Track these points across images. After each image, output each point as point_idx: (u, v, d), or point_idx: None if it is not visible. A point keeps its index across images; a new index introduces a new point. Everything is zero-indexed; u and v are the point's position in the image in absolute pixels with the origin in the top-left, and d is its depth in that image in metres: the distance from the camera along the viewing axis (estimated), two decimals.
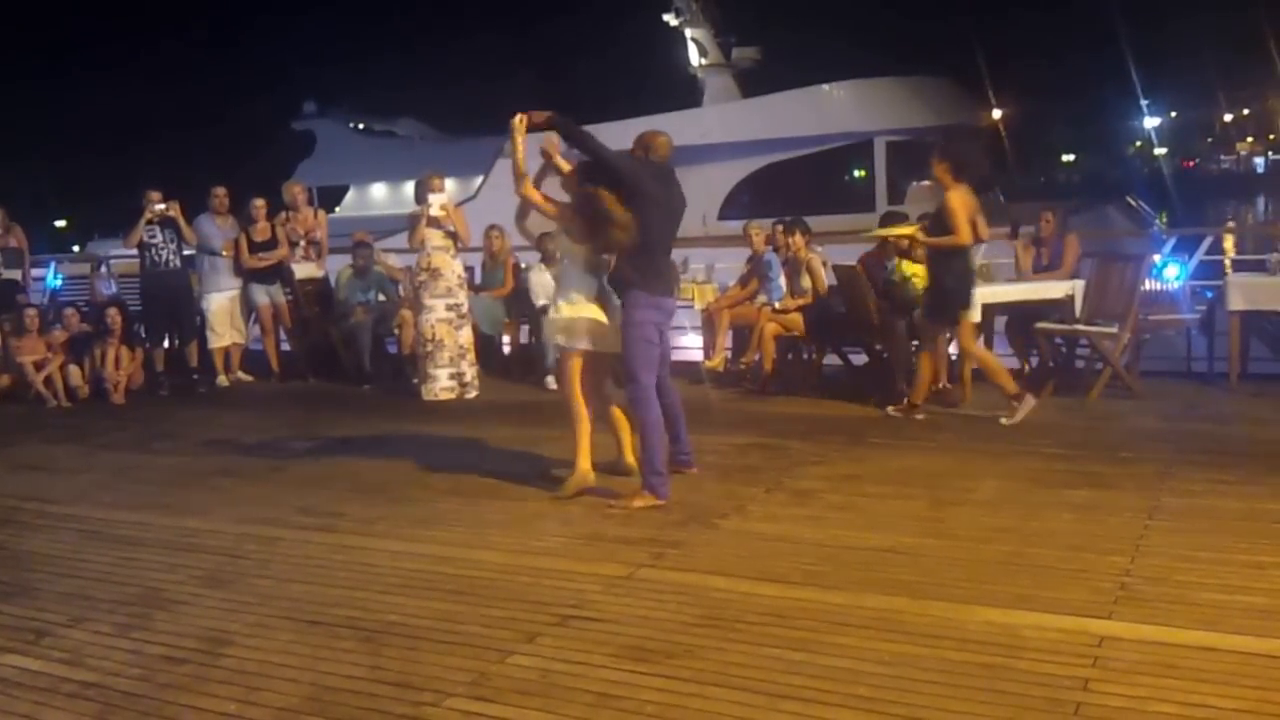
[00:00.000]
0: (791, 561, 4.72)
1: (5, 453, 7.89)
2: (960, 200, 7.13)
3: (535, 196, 5.89)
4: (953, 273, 7.30)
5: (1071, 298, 8.37)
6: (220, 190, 10.53)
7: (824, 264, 9.00)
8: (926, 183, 20.36)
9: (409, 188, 12.17)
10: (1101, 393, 8.02)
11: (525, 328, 10.41)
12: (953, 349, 8.66)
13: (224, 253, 10.36)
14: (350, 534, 5.43)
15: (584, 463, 5.86)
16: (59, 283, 13.58)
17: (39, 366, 9.74)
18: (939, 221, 7.27)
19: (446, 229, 9.06)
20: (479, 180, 21.55)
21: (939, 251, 7.33)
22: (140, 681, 3.78)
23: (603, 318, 5.76)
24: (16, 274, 10.99)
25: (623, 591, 4.45)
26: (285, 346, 10.93)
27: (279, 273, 10.54)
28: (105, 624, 4.34)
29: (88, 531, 5.73)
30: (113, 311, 10.06)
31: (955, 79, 23.48)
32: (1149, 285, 9.00)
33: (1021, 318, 8.74)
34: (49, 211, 41.69)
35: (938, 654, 3.70)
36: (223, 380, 10.43)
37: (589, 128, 5.94)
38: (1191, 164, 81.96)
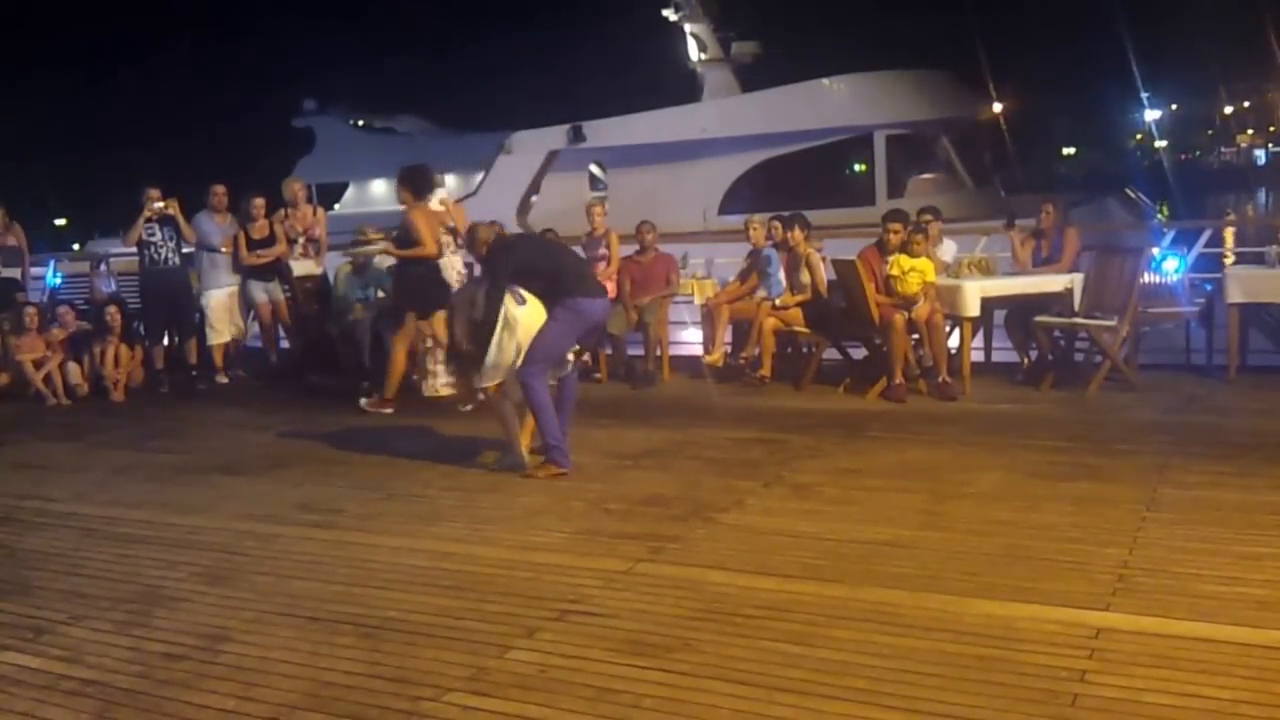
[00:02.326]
0: (790, 555, 4.73)
1: (4, 451, 7.89)
2: (422, 217, 8.04)
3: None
4: (405, 282, 8.21)
5: (1070, 291, 8.37)
6: (219, 188, 10.52)
7: (823, 259, 9.00)
8: (927, 176, 20.36)
9: None
10: (1100, 386, 8.03)
11: None
12: (953, 342, 8.68)
13: (223, 249, 10.36)
14: (349, 530, 5.44)
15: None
16: (58, 281, 13.58)
17: (38, 364, 9.75)
18: (405, 236, 8.16)
19: (446, 225, 9.05)
20: (479, 177, 21.52)
21: (404, 260, 8.22)
22: (139, 678, 3.79)
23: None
24: (16, 272, 10.98)
25: (621, 586, 4.46)
26: (284, 344, 10.93)
27: (277, 270, 10.52)
28: (104, 621, 4.35)
29: (87, 529, 5.73)
30: (112, 309, 10.07)
31: (955, 72, 23.40)
32: (1148, 278, 8.99)
33: (1020, 311, 8.73)
34: (49, 210, 41.65)
35: (935, 646, 3.71)
36: (222, 378, 10.42)
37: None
38: (1191, 156, 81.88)
